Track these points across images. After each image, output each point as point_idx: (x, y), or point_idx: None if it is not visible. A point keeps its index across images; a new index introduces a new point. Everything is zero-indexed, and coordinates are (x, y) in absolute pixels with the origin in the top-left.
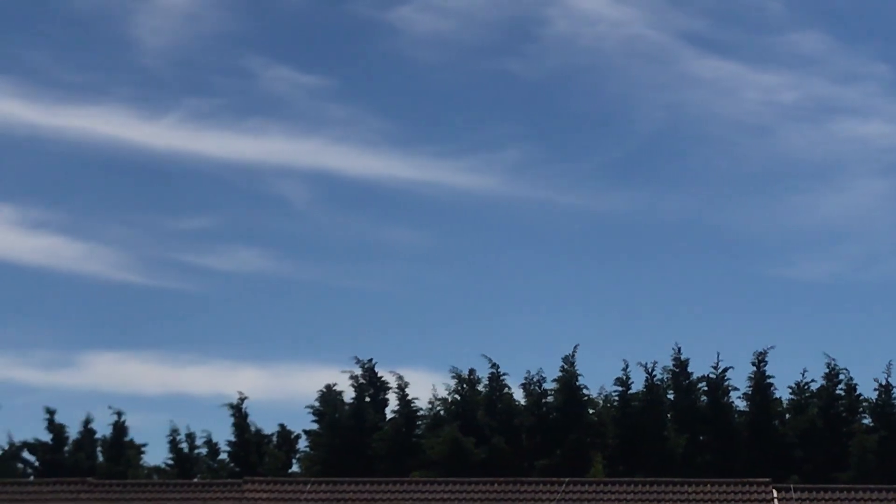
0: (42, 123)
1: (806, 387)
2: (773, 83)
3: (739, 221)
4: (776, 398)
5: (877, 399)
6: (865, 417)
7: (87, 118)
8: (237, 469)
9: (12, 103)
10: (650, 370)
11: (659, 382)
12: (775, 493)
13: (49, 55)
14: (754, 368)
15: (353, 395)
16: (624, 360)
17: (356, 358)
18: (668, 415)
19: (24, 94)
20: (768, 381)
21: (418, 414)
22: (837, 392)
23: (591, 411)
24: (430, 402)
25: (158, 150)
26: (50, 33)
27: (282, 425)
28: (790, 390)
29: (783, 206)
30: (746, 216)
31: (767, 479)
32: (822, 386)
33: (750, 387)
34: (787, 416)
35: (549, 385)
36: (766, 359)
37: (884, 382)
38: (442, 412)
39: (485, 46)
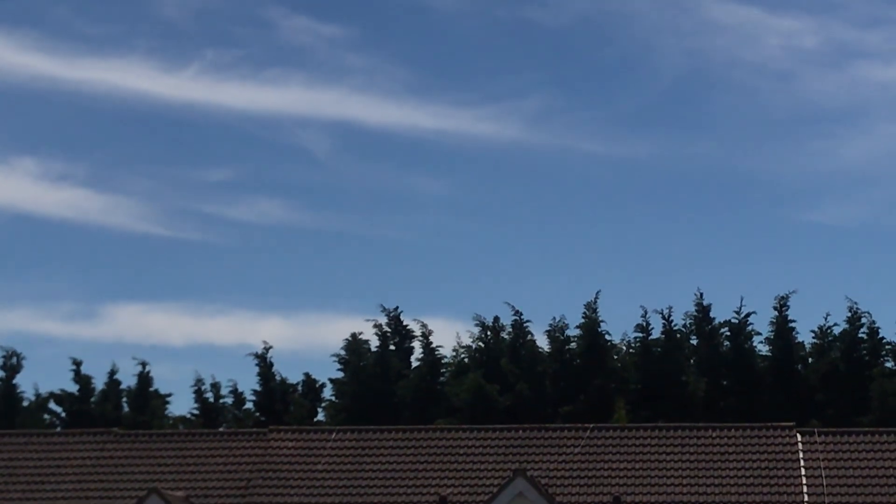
0: (63, 76)
1: (828, 331)
2: (794, 28)
3: (762, 167)
4: (798, 342)
5: None
6: (888, 361)
7: (108, 71)
8: (262, 418)
9: (33, 56)
10: (667, 316)
11: (678, 328)
12: (799, 437)
13: (69, 7)
14: (776, 313)
15: (377, 343)
16: (642, 306)
17: (382, 306)
18: (691, 360)
19: (45, 46)
20: (790, 325)
21: (442, 362)
22: (860, 335)
23: (614, 357)
24: (454, 350)
25: (179, 101)
26: None
27: (307, 374)
28: (813, 334)
29: (806, 152)
30: (769, 161)
31: (791, 423)
32: (844, 330)
33: (772, 331)
34: (810, 359)
35: (573, 332)
36: (789, 303)
37: None
38: (466, 360)
39: None
